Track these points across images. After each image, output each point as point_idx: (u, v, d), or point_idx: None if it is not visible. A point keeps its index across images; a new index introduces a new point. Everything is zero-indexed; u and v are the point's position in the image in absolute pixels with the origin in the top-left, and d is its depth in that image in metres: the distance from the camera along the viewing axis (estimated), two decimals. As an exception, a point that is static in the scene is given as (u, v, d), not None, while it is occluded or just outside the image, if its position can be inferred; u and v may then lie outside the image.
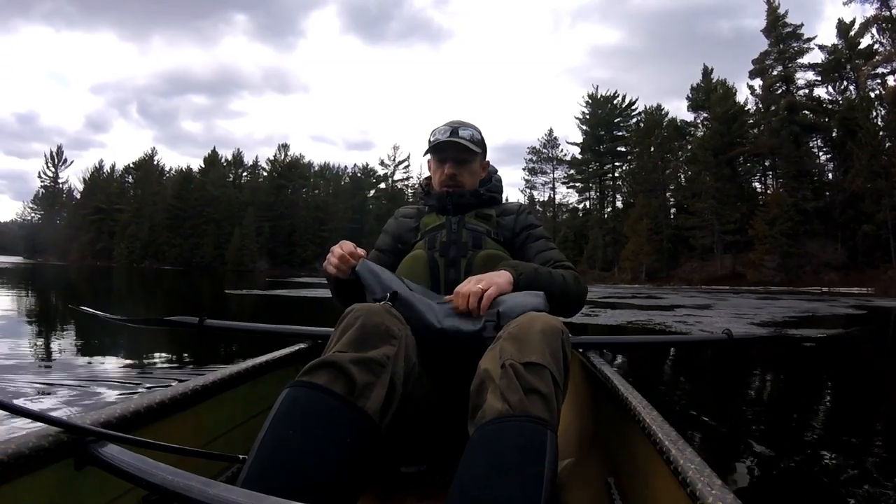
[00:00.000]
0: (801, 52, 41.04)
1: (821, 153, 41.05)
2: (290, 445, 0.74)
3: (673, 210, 47.67)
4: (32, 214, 78.60)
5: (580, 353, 1.56)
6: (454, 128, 1.46)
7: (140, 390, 3.26)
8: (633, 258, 42.70)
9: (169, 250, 63.94)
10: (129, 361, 4.27)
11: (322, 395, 0.80)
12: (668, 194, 48.03)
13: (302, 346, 1.50)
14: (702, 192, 42.24)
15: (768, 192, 42.52)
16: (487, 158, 1.61)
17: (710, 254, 41.96)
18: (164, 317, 1.58)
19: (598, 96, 55.55)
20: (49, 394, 3.08)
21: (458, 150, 1.46)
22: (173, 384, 1.04)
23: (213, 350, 4.79)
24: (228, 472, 1.07)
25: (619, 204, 54.30)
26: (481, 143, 1.52)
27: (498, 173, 1.65)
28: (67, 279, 22.69)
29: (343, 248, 1.24)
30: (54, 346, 5.08)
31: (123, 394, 3.17)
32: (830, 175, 40.26)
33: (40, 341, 5.31)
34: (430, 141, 1.49)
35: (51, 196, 75.88)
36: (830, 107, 39.70)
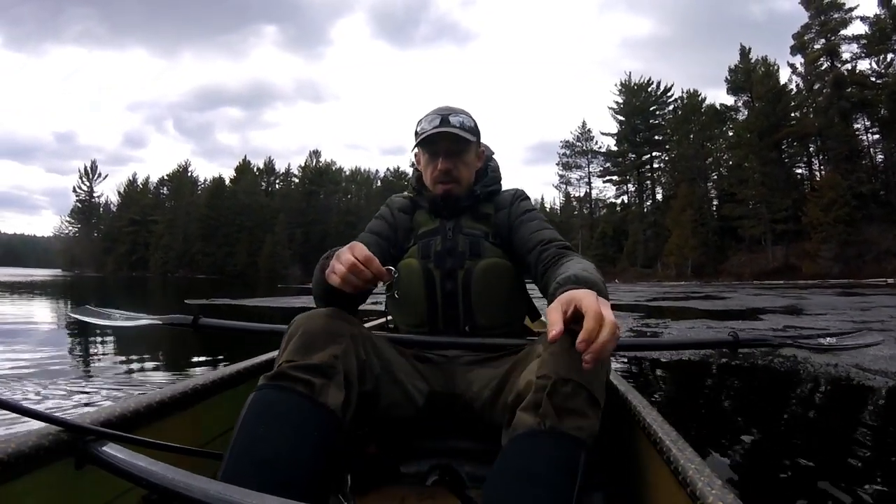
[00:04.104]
0: (844, 24, 38.66)
1: (868, 133, 38.61)
2: (260, 442, 0.77)
3: (715, 202, 45.85)
4: (70, 228, 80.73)
5: None
6: (443, 115, 1.30)
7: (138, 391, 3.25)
8: (678, 252, 41.00)
9: (202, 259, 64.96)
10: (123, 358, 4.46)
11: (286, 394, 0.84)
12: (710, 185, 46.17)
13: None
14: (748, 179, 40.33)
15: (816, 177, 40.30)
16: (482, 144, 1.46)
17: (759, 245, 40.09)
18: (158, 316, 1.54)
19: (632, 84, 53.81)
20: (49, 392, 3.10)
21: (450, 140, 1.30)
22: (173, 384, 1.08)
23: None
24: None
25: (658, 196, 52.49)
26: (475, 130, 1.36)
27: (494, 158, 1.51)
28: (85, 289, 22.52)
29: (356, 252, 0.96)
30: (57, 347, 5.10)
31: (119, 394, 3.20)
32: (881, 156, 37.78)
33: (46, 345, 5.25)
34: (416, 132, 1.33)
35: (87, 210, 77.89)
36: (879, 81, 37.12)
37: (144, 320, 1.60)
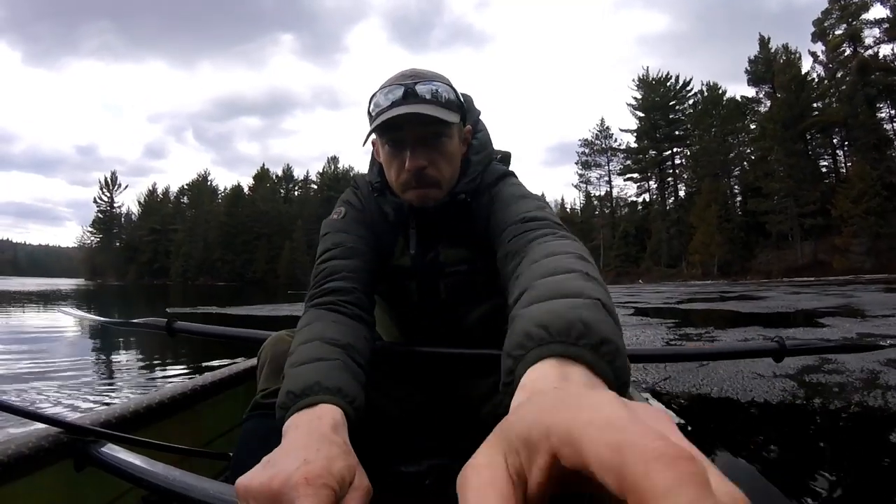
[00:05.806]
0: (865, 7, 37.81)
1: (893, 122, 37.35)
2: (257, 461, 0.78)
3: (739, 197, 44.94)
4: (91, 238, 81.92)
5: None
6: (408, 86, 0.86)
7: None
8: (703, 250, 40.22)
9: (222, 266, 65.53)
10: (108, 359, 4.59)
11: (265, 420, 0.81)
12: (733, 180, 45.28)
13: None
14: (773, 172, 39.46)
15: (841, 169, 39.24)
16: (467, 100, 1.00)
17: (787, 241, 39.18)
18: (131, 319, 1.54)
19: (650, 79, 52.97)
20: (47, 394, 3.09)
21: (420, 123, 0.85)
22: (172, 385, 1.08)
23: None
24: (228, 472, 1.02)
25: (681, 193, 51.42)
26: (456, 104, 0.91)
27: (482, 122, 1.04)
28: (103, 298, 22.25)
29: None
30: (53, 349, 5.11)
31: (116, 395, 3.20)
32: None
33: (41, 347, 5.30)
34: (370, 112, 0.90)
35: (107, 220, 79.10)
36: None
37: (118, 323, 1.64)
